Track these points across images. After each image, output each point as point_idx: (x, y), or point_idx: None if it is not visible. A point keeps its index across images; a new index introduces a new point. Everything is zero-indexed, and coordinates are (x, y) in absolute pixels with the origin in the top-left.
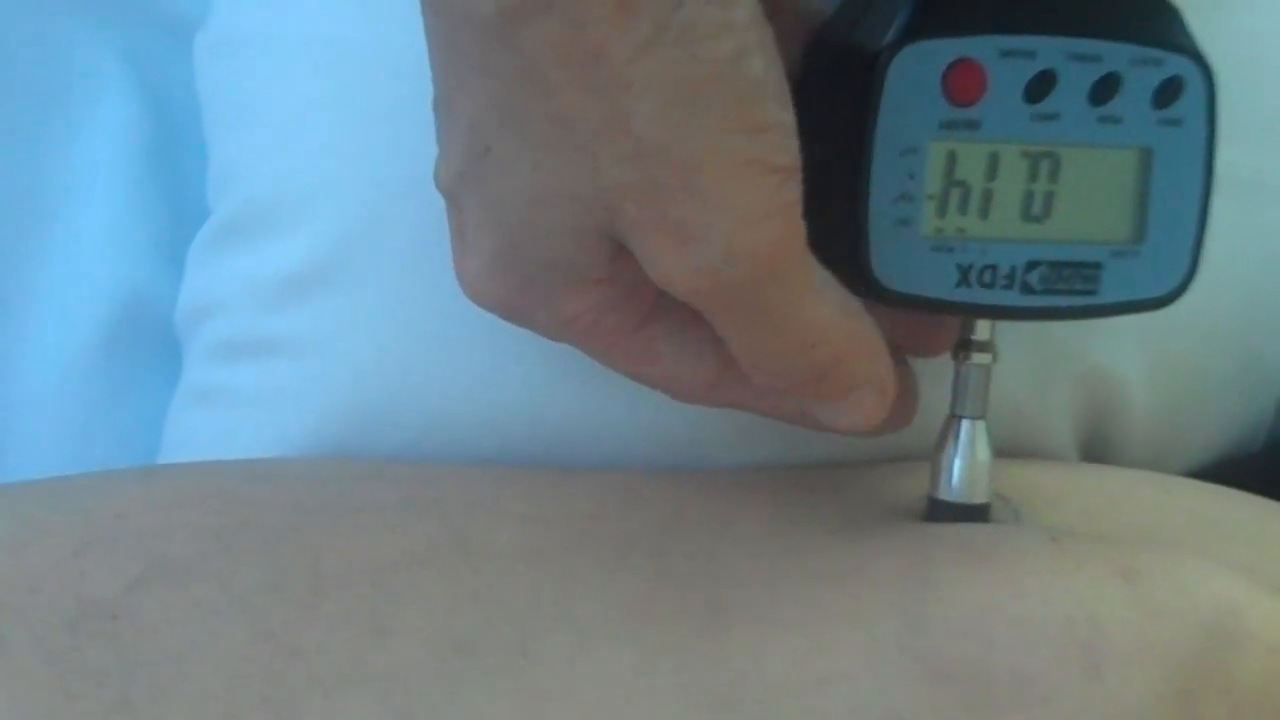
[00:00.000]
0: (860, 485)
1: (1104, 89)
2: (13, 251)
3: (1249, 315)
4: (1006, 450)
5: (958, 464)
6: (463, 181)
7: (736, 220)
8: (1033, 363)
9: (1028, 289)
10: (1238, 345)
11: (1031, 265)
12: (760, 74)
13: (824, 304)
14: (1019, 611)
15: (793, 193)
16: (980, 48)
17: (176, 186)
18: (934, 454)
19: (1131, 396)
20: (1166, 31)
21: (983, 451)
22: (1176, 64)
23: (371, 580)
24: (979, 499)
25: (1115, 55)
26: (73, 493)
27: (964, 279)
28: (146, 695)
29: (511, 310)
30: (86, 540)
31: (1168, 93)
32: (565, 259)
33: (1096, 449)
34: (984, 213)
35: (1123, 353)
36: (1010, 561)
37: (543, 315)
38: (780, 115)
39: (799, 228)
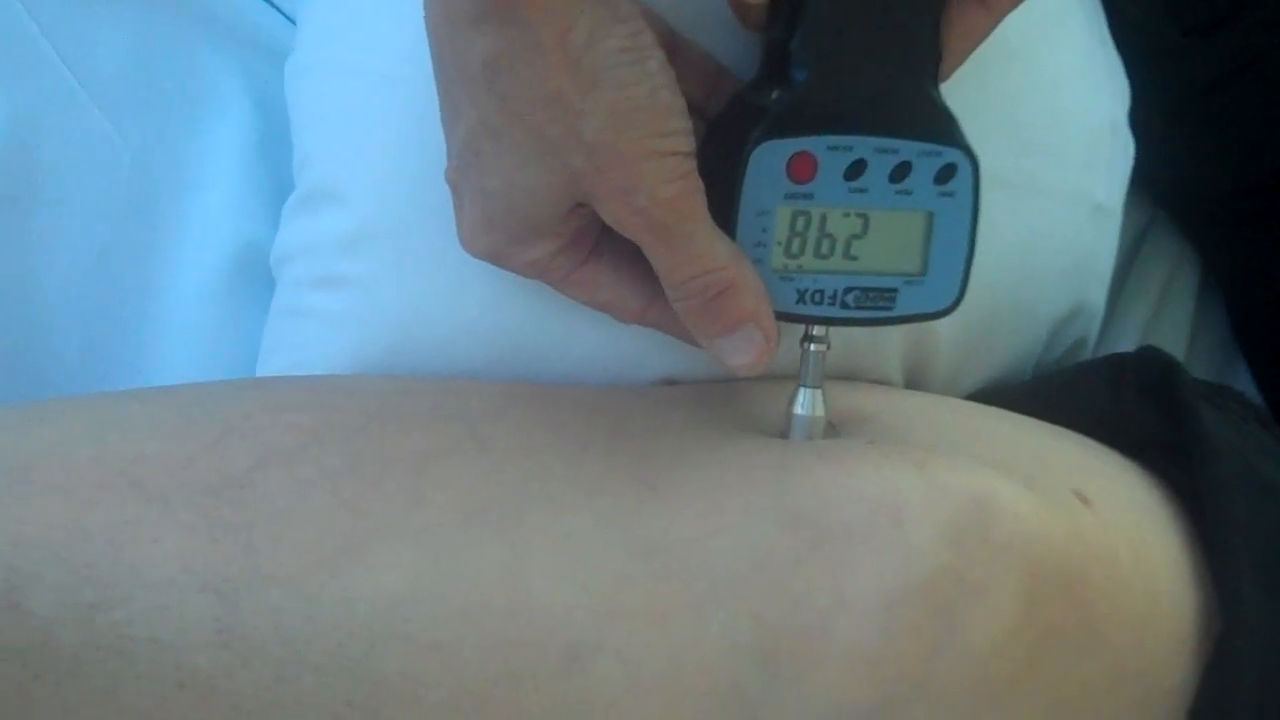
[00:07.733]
0: (747, 400)
1: (900, 171)
2: (165, 209)
3: (1021, 277)
4: (850, 375)
5: (802, 419)
6: (460, 174)
7: (654, 181)
8: None
9: (845, 305)
10: (1013, 300)
11: (849, 290)
12: (668, 101)
13: (718, 243)
14: (847, 485)
15: (689, 166)
16: (814, 144)
17: (278, 168)
18: (787, 409)
19: (940, 338)
20: (946, 131)
21: (819, 409)
22: (951, 154)
23: (415, 465)
24: (817, 440)
25: (908, 149)
26: (212, 397)
27: (801, 298)
28: (265, 542)
29: (495, 257)
30: (225, 431)
31: (945, 174)
32: (532, 221)
33: (916, 375)
34: (815, 254)
35: None
36: (842, 456)
37: (516, 260)
38: (680, 123)
39: (696, 187)
